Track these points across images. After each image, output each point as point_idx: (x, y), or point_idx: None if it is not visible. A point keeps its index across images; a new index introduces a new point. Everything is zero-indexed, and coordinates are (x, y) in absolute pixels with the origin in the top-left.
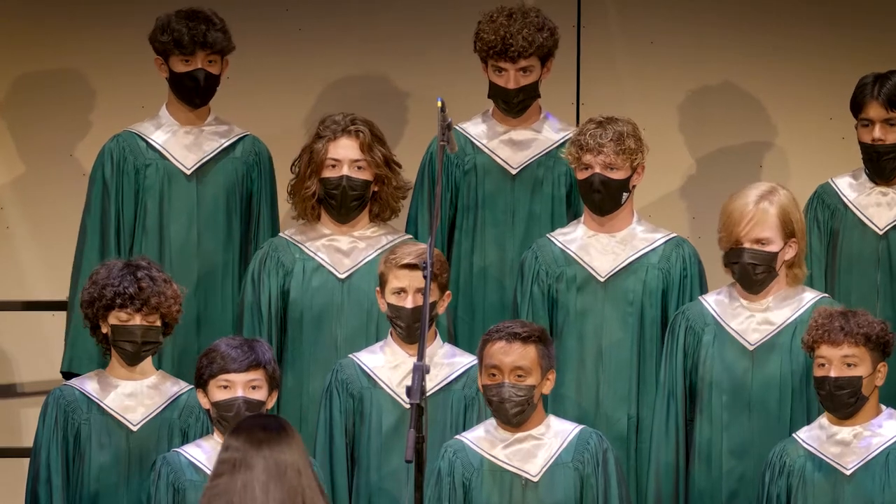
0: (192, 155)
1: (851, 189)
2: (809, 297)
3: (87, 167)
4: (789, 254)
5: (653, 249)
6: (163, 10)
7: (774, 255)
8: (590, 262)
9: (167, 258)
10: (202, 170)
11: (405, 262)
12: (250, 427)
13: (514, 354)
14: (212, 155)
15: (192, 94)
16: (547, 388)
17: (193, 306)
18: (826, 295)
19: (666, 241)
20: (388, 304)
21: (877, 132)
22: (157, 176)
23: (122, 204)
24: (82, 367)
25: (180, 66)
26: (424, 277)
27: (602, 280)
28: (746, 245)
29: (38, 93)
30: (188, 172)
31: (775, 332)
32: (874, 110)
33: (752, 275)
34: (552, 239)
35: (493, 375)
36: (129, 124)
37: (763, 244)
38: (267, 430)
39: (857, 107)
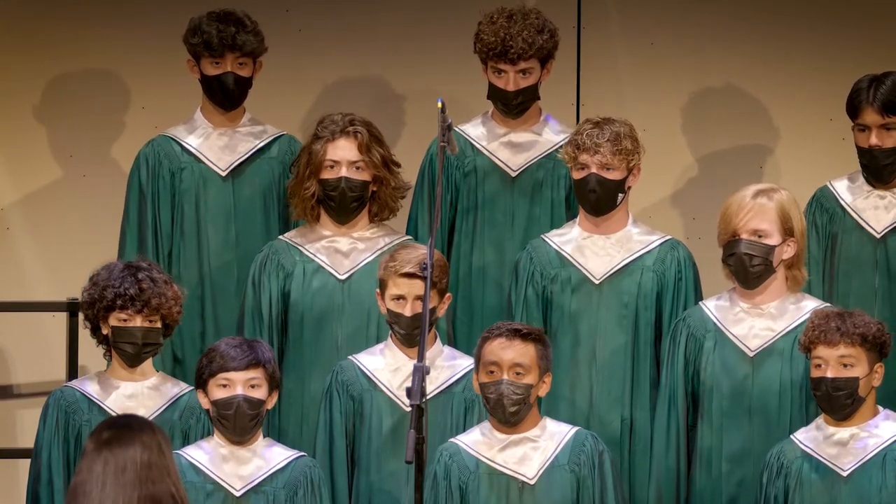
0: (226, 157)
1: (849, 192)
2: (811, 305)
3: (87, 168)
4: (788, 253)
5: (648, 251)
6: (165, 13)
7: (772, 248)
8: (584, 264)
9: (206, 261)
10: (237, 171)
11: (405, 270)
12: (99, 429)
13: (513, 351)
14: (246, 156)
15: (223, 98)
16: (543, 390)
17: (235, 308)
18: (828, 304)
19: (661, 244)
20: (388, 310)
21: (873, 138)
22: (193, 179)
23: (158, 208)
24: None
25: (210, 69)
26: (424, 279)
27: (597, 282)
28: (743, 236)
29: (37, 94)
30: (223, 174)
31: (776, 338)
32: (870, 116)
33: (749, 266)
34: (547, 240)
35: (492, 372)
36: (129, 125)
37: (760, 236)
38: (111, 429)
39: (853, 111)
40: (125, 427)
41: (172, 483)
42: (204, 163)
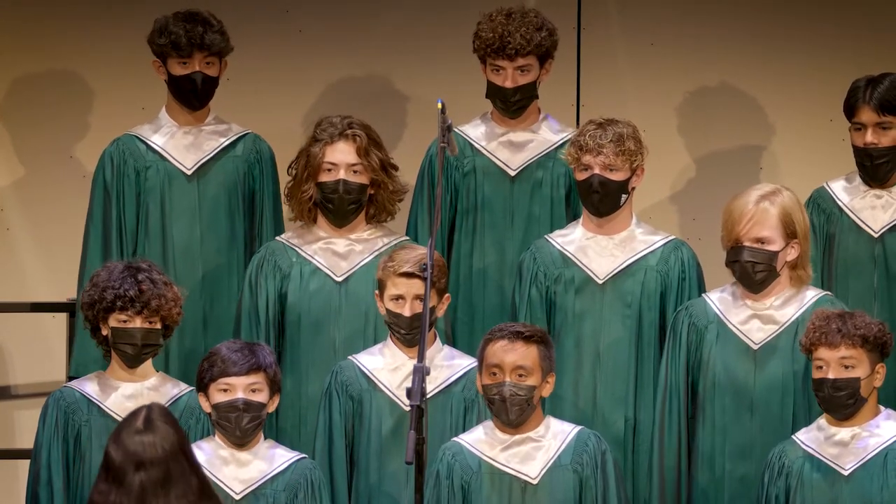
0: (191, 155)
1: (846, 192)
2: (811, 294)
3: (87, 168)
4: (791, 255)
5: (651, 252)
6: (162, 12)
7: (774, 254)
8: (588, 265)
9: (171, 259)
10: (202, 169)
11: (403, 270)
12: (119, 429)
13: (516, 353)
14: (212, 154)
15: (191, 97)
16: (546, 390)
17: (199, 307)
18: (828, 293)
19: (665, 244)
20: (387, 310)
21: (869, 136)
22: (158, 178)
23: (123, 207)
24: (89, 371)
25: (178, 69)
26: (424, 280)
27: (600, 282)
28: (746, 244)
29: (37, 94)
30: (188, 173)
31: (778, 332)
32: (866, 115)
33: (752, 274)
34: (550, 240)
35: (494, 374)
36: (130, 126)
37: (763, 243)
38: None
39: (849, 111)
40: (146, 424)
41: (195, 472)
42: (169, 161)
